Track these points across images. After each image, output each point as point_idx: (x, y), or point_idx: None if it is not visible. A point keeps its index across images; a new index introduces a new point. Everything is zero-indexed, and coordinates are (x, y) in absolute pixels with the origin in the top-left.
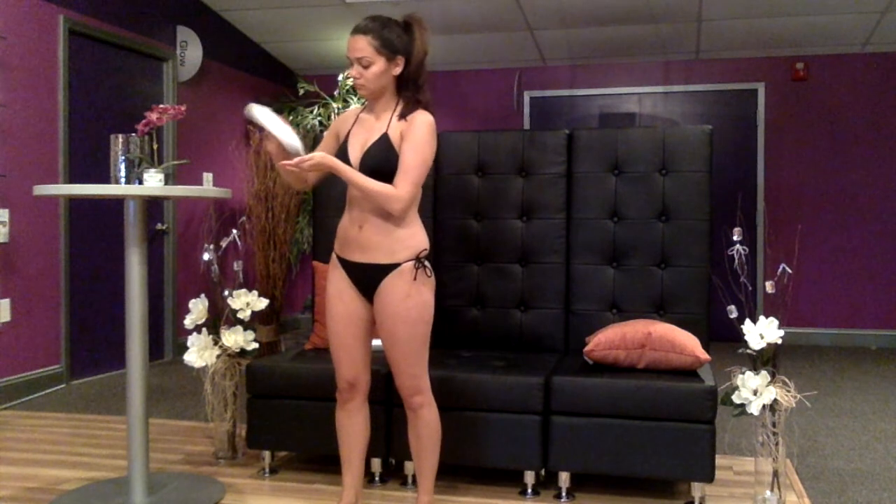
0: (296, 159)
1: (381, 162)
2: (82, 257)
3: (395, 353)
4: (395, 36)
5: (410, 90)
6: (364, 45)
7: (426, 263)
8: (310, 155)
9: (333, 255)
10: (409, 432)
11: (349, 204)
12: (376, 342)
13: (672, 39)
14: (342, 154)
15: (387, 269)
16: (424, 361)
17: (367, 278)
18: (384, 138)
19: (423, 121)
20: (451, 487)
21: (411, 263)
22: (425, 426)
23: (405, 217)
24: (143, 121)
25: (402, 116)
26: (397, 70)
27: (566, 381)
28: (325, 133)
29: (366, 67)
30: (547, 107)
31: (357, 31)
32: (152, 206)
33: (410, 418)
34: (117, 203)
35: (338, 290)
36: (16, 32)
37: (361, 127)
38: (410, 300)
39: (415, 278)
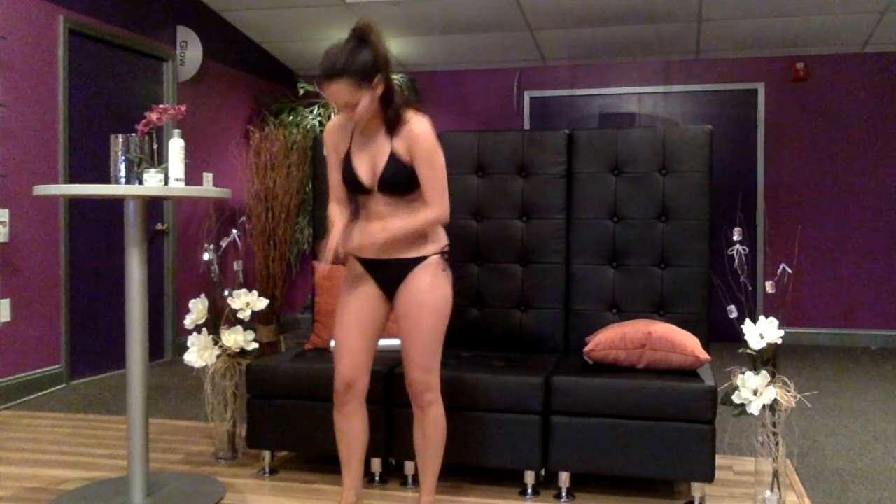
0: (355, 250)
1: (400, 179)
2: (82, 257)
3: (414, 344)
4: (363, 61)
5: (385, 98)
6: (343, 90)
7: (447, 258)
8: (372, 238)
9: (350, 257)
10: (415, 431)
11: (366, 213)
12: (383, 342)
13: (672, 39)
14: (352, 177)
15: (414, 262)
16: (438, 359)
17: (393, 273)
18: (394, 159)
19: (423, 131)
20: (452, 487)
21: (438, 256)
22: (433, 425)
23: None
24: (143, 121)
25: (393, 126)
26: (381, 89)
27: (566, 381)
28: (326, 154)
29: (354, 106)
30: (547, 107)
31: (329, 77)
32: (152, 205)
33: (418, 416)
34: (117, 203)
35: (355, 287)
36: (16, 32)
37: (362, 147)
38: (437, 291)
39: (445, 271)
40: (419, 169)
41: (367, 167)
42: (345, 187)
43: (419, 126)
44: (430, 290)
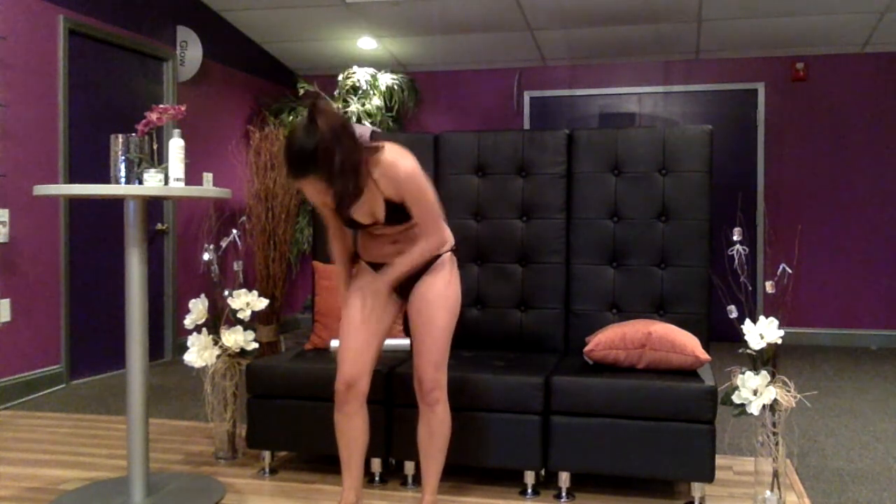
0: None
1: (400, 218)
2: (82, 257)
3: (427, 339)
4: (321, 149)
5: (337, 177)
6: (317, 186)
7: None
8: (382, 284)
9: (361, 262)
10: (421, 429)
11: (370, 231)
12: (391, 341)
13: (672, 39)
14: (351, 223)
15: (428, 262)
16: (447, 357)
17: (407, 275)
18: (390, 204)
19: (405, 171)
20: (453, 487)
21: (449, 254)
22: (440, 423)
23: None
24: (143, 121)
25: (346, 205)
26: (345, 158)
27: (566, 381)
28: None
29: (329, 191)
30: (547, 107)
31: (299, 176)
32: (152, 205)
33: (425, 414)
34: (117, 203)
35: (364, 286)
36: (16, 32)
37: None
38: (451, 288)
39: (455, 267)
40: (410, 207)
41: (365, 214)
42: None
43: (398, 167)
44: (445, 288)
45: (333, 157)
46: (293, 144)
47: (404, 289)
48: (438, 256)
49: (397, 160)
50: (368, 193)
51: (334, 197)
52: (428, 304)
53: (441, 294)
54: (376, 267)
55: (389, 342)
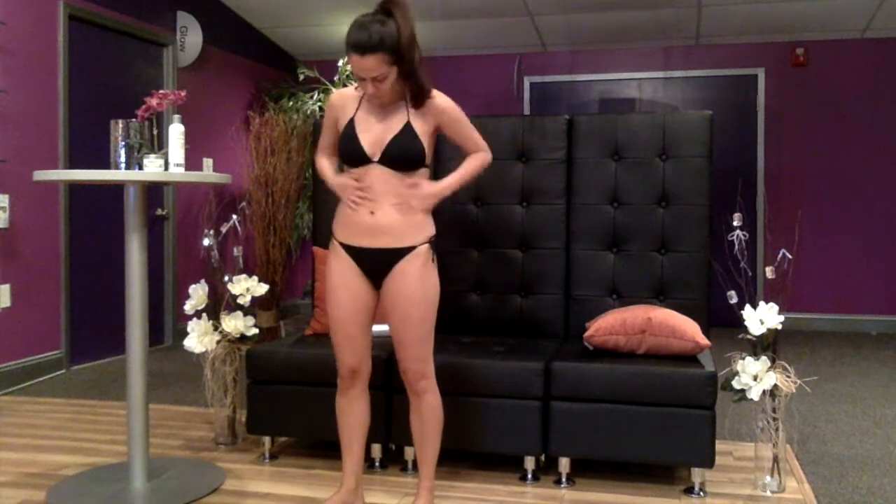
0: (421, 196)
1: (405, 152)
2: (82, 243)
3: (406, 336)
4: (393, 37)
5: (412, 74)
6: (376, 64)
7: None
8: (426, 193)
9: (335, 243)
10: (413, 417)
11: (349, 205)
12: (377, 328)
13: (672, 25)
14: (353, 144)
15: (401, 252)
16: (431, 346)
17: (379, 263)
18: (408, 129)
19: (447, 104)
20: (452, 473)
21: (426, 246)
22: (429, 410)
23: None
24: (143, 106)
25: (417, 104)
26: (402, 66)
27: (566, 366)
28: (324, 124)
29: (381, 82)
30: (547, 92)
31: (363, 50)
32: (152, 191)
33: (414, 403)
34: (117, 188)
35: (343, 278)
36: (16, 18)
37: (370, 117)
38: (426, 282)
39: (433, 260)
40: (459, 130)
41: (373, 137)
42: (341, 158)
43: (444, 99)
44: (420, 281)
45: (402, 36)
46: (370, 18)
47: (380, 277)
48: (413, 248)
49: (438, 94)
50: (392, 115)
51: (402, 71)
52: (402, 300)
53: (416, 289)
54: (352, 250)
55: (384, 328)
